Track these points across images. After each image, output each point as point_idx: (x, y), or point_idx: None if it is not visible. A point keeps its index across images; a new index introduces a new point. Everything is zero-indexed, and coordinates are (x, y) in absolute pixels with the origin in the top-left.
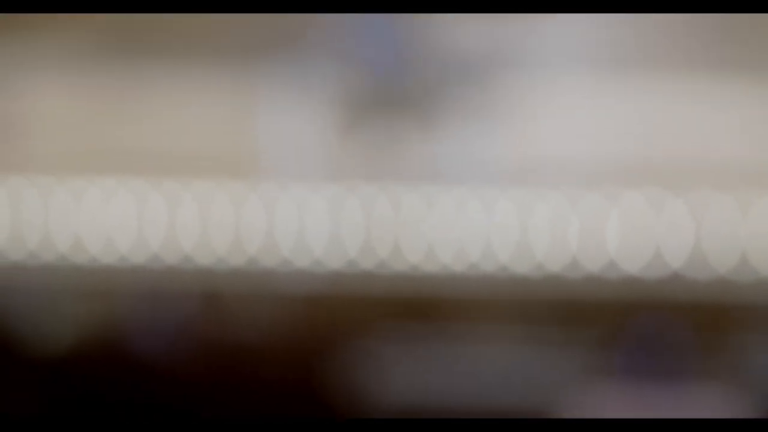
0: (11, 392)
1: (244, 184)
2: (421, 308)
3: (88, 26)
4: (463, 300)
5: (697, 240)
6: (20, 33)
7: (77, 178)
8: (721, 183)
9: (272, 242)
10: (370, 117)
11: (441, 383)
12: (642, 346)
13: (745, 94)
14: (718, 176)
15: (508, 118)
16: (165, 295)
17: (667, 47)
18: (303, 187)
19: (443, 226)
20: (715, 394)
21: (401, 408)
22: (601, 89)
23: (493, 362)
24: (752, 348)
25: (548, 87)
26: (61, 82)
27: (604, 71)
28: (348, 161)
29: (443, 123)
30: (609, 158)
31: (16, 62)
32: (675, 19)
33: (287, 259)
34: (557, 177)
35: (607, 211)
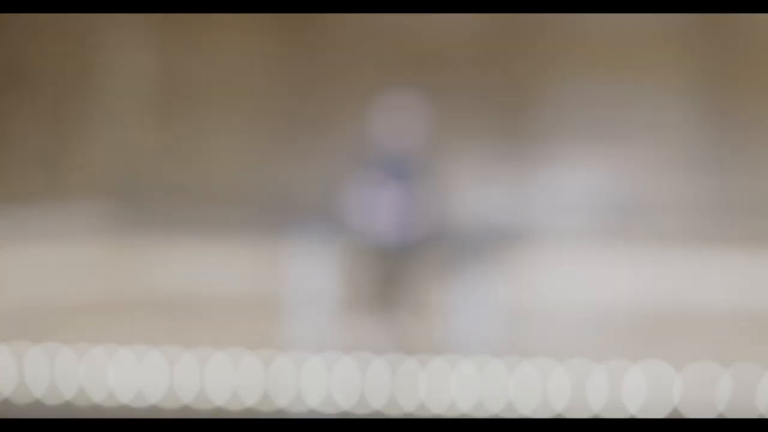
0: None
1: (271, 349)
2: None
3: (115, 200)
4: None
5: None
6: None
7: (108, 332)
8: (706, 335)
9: (299, 395)
10: (384, 287)
11: None
12: None
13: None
14: (704, 328)
15: (515, 290)
16: None
17: (662, 219)
18: (322, 357)
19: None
20: None
21: None
22: (605, 255)
23: None
24: None
25: (552, 253)
26: (95, 244)
27: (609, 237)
28: (362, 332)
29: (457, 291)
30: (610, 323)
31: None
32: (668, 193)
33: (314, 410)
34: (560, 340)
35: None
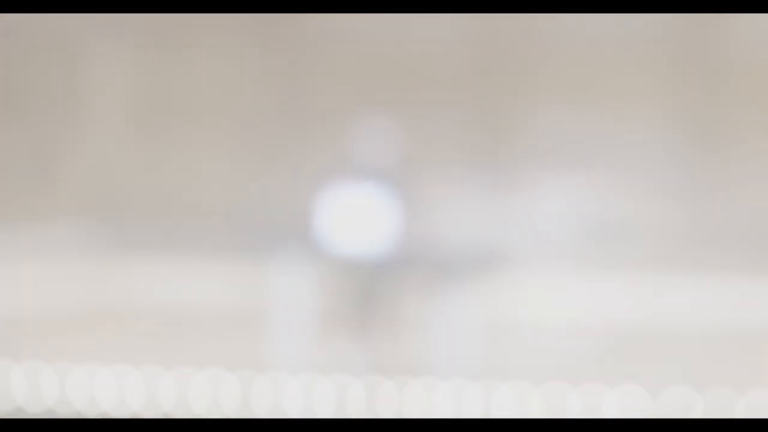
0: None
1: (251, 372)
2: None
3: (98, 218)
4: None
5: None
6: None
7: (90, 348)
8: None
9: (276, 413)
10: (362, 307)
11: None
12: None
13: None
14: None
15: (492, 312)
16: None
17: (642, 246)
18: (300, 379)
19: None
20: None
21: None
22: (582, 284)
23: None
24: None
25: (530, 276)
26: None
27: (586, 261)
28: (340, 353)
29: (434, 313)
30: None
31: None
32: (649, 223)
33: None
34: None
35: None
